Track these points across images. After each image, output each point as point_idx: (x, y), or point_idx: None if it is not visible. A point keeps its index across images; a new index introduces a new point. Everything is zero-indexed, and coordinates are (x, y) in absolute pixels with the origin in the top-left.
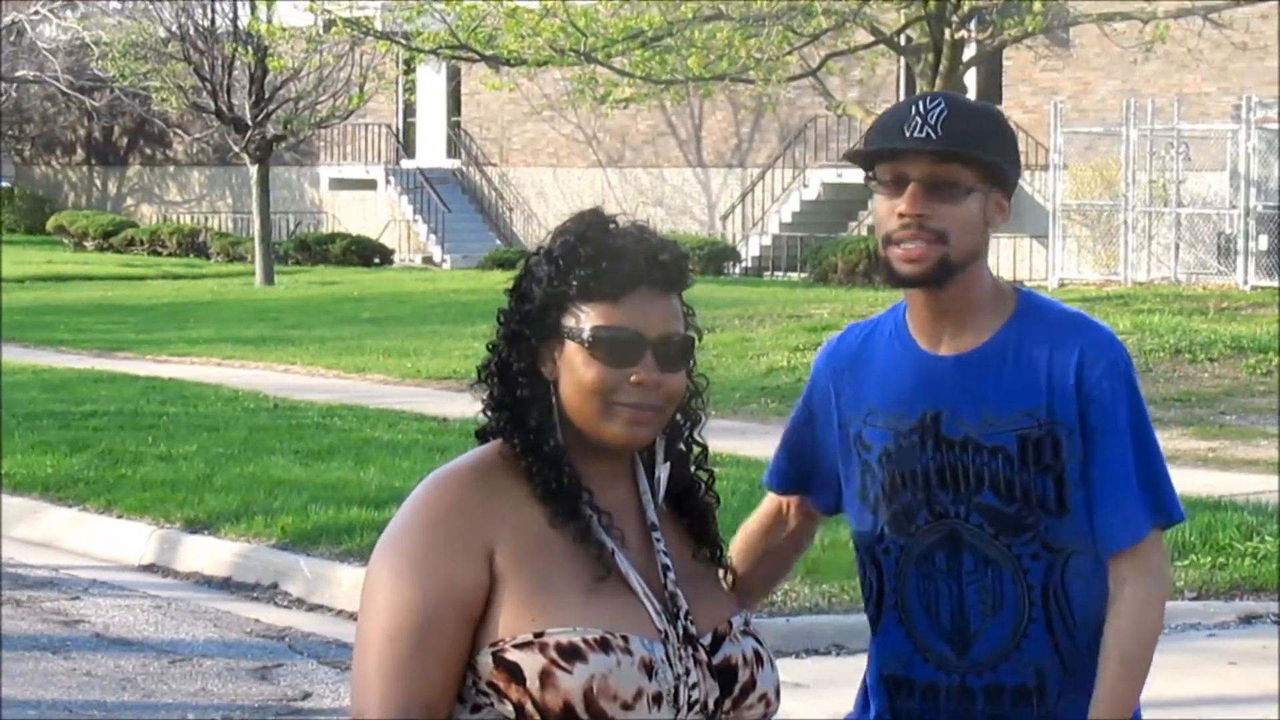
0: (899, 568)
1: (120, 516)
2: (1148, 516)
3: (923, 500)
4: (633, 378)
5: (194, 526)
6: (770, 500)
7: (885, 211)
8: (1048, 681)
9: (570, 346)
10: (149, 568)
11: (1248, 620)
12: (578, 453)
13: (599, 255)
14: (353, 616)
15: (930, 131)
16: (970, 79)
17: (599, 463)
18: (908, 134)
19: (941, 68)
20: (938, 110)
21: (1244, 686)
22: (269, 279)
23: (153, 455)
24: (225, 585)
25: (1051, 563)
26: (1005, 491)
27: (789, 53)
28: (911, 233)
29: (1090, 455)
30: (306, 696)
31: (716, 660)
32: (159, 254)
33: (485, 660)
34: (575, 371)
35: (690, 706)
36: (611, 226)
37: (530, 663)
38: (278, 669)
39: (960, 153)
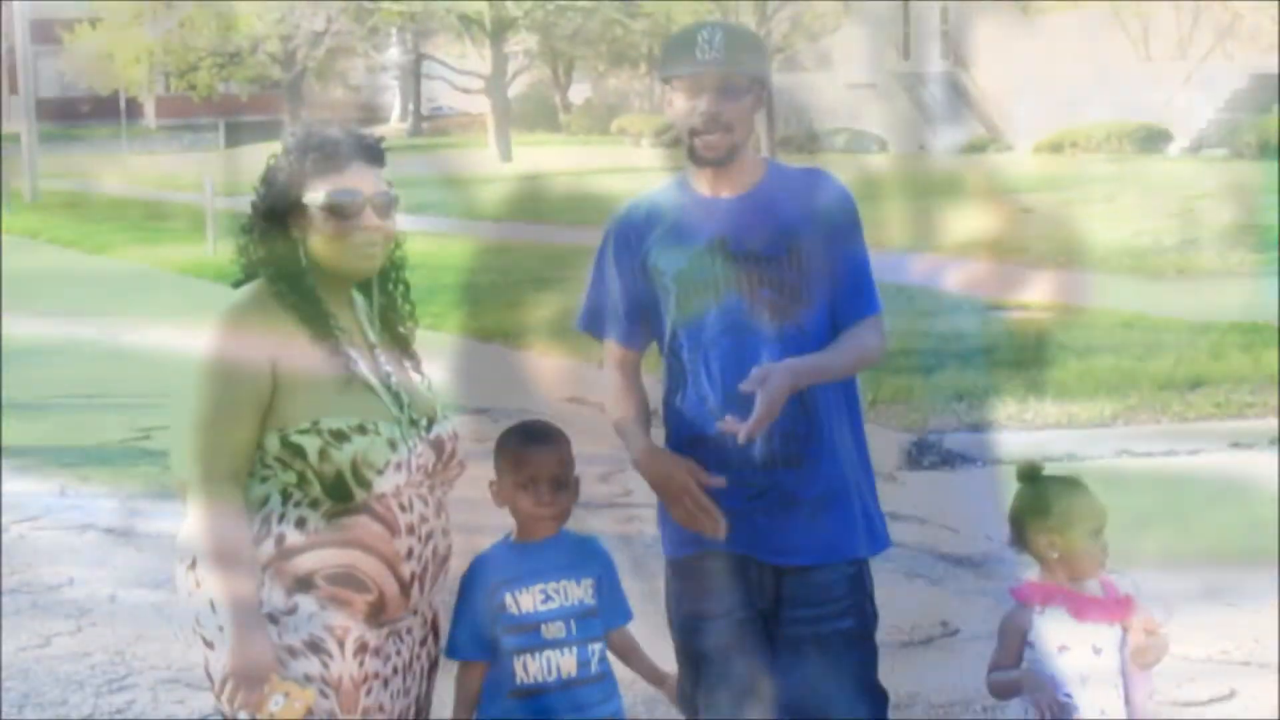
0: (702, 349)
1: None
2: (872, 301)
3: (712, 301)
4: (361, 224)
5: None
6: (630, 357)
7: (686, 109)
8: (805, 424)
9: (312, 210)
10: None
11: None
12: (321, 288)
13: (324, 145)
14: None
15: (716, 55)
16: None
17: (334, 296)
18: (700, 57)
19: None
20: (719, 37)
21: None
22: None
23: None
24: None
25: (800, 340)
26: (777, 288)
27: None
28: (709, 125)
29: (833, 259)
30: None
31: (431, 436)
32: None
33: (272, 441)
34: (320, 227)
35: (416, 469)
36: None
37: (310, 443)
38: None
39: (739, 68)
